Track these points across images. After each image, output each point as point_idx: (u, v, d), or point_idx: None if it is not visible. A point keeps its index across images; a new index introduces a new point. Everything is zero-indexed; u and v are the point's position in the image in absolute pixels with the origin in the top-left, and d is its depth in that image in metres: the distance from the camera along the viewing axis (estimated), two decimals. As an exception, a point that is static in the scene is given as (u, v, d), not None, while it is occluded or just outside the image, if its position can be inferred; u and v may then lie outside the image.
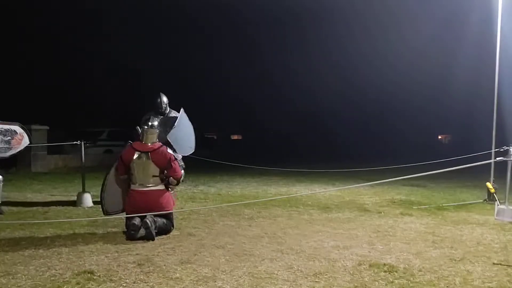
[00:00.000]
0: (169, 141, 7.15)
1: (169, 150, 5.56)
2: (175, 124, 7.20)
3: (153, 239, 4.92)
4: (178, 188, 7.24)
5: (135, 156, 5.34)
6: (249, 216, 6.52)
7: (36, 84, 25.07)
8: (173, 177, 5.37)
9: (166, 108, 7.53)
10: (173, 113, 7.53)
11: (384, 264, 4.10)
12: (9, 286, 3.52)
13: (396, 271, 3.92)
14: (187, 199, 8.19)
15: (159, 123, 7.44)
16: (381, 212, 6.90)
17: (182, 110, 7.44)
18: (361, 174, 11.12)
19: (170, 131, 7.16)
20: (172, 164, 5.38)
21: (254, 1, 30.26)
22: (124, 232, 5.22)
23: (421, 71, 31.20)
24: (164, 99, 7.51)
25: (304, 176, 11.80)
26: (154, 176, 5.32)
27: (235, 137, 44.82)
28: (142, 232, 4.97)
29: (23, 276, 3.73)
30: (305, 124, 36.39)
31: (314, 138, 32.92)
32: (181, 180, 5.54)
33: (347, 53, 33.55)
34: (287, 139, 32.74)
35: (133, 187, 5.35)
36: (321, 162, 16.08)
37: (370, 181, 7.06)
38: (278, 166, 11.43)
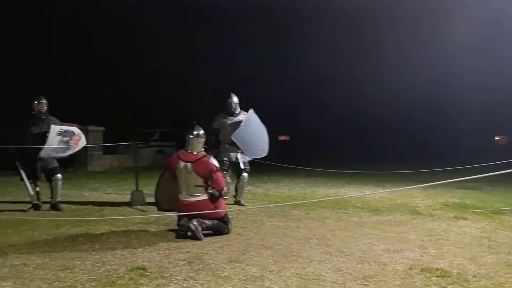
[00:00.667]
0: (234, 141, 7.21)
1: (213, 160, 5.36)
2: (242, 124, 7.25)
3: (200, 239, 4.98)
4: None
5: (179, 165, 5.34)
6: (297, 217, 6.51)
7: (91, 89, 26.00)
8: (215, 189, 5.24)
9: (236, 108, 7.59)
10: (243, 113, 7.58)
11: (437, 269, 3.99)
12: (67, 280, 3.70)
13: (449, 276, 3.80)
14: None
15: (230, 124, 7.50)
16: (434, 216, 6.70)
17: (251, 110, 7.47)
18: (413, 176, 10.77)
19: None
20: (214, 175, 5.22)
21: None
22: (175, 230, 5.34)
23: (475, 70, 29.99)
24: (235, 99, 7.59)
25: (353, 177, 11.62)
26: (197, 186, 5.24)
27: (282, 137, 44.77)
28: (189, 233, 5.03)
29: (80, 271, 3.90)
30: (354, 126, 35.79)
31: (363, 140, 32.30)
32: (224, 193, 5.32)
33: (404, 51, 32.58)
34: (334, 140, 32.29)
35: (180, 197, 5.33)
36: (370, 164, 15.76)
37: (422, 183, 6.85)
38: (326, 167, 11.30)
